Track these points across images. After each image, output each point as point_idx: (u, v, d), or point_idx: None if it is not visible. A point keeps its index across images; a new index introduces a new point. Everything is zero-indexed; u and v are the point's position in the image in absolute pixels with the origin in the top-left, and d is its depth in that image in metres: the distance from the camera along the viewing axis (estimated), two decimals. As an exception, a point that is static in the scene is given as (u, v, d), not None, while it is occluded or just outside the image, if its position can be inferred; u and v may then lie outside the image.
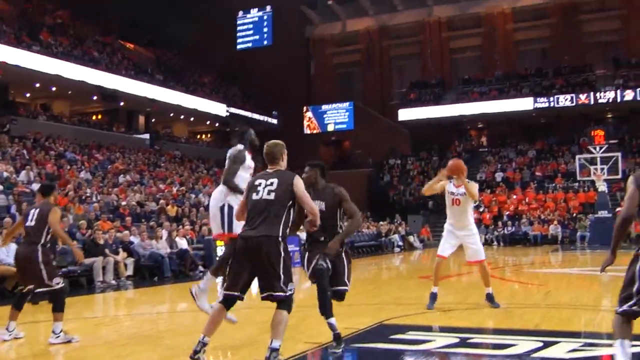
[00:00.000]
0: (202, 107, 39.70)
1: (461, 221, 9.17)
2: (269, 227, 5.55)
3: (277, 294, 5.47)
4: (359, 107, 45.54)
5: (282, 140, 6.05)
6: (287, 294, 5.50)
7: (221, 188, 7.09)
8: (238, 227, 6.55)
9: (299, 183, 5.69)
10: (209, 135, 47.31)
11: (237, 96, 45.54)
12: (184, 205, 23.96)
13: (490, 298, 9.21)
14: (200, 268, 17.69)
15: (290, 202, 5.64)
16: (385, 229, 30.39)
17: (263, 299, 5.60)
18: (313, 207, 5.72)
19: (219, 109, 41.19)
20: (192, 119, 42.04)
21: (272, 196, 5.63)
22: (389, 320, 8.16)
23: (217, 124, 43.77)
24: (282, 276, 5.47)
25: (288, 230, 5.65)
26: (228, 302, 5.71)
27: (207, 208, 25.27)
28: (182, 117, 41.62)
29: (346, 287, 6.47)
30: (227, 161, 7.18)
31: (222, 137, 46.17)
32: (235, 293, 5.62)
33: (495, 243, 31.13)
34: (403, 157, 43.65)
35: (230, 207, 6.84)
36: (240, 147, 7.16)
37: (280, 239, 5.54)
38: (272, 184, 5.69)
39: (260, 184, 5.74)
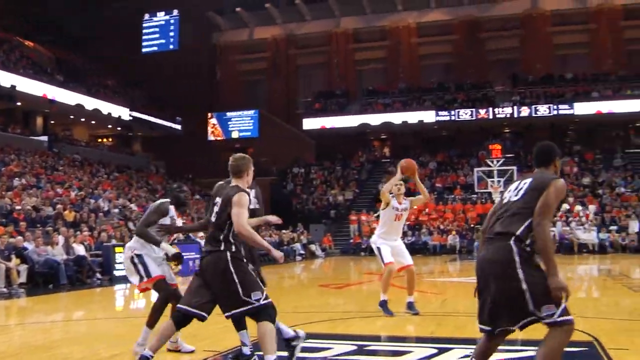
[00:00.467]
0: (104, 110, 38.70)
1: (397, 233, 9.73)
2: (213, 243, 5.49)
3: (241, 309, 5.36)
4: (264, 115, 45.50)
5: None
6: (255, 305, 5.36)
7: (134, 240, 6.94)
8: (156, 270, 6.62)
9: (237, 200, 5.36)
10: (110, 139, 46.03)
11: (141, 100, 44.66)
12: (83, 211, 23.31)
13: (410, 306, 9.36)
14: (98, 275, 17.32)
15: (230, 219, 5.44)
16: (288, 238, 30.44)
17: (227, 317, 5.53)
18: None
19: (122, 112, 40.33)
20: (93, 122, 40.89)
21: (215, 214, 5.57)
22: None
23: (119, 128, 42.83)
24: (239, 290, 5.32)
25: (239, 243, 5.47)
26: (181, 318, 5.51)
27: (106, 214, 24.86)
28: (82, 119, 40.47)
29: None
30: (147, 211, 7.06)
31: (124, 142, 45.21)
32: (190, 309, 5.43)
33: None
34: (307, 166, 43.87)
35: (139, 256, 6.72)
36: (164, 200, 7.03)
37: (226, 253, 5.40)
38: (218, 201, 5.59)
39: (215, 203, 5.64)
